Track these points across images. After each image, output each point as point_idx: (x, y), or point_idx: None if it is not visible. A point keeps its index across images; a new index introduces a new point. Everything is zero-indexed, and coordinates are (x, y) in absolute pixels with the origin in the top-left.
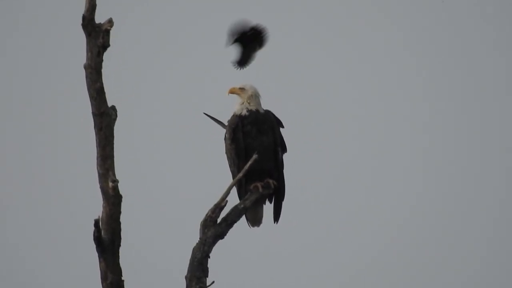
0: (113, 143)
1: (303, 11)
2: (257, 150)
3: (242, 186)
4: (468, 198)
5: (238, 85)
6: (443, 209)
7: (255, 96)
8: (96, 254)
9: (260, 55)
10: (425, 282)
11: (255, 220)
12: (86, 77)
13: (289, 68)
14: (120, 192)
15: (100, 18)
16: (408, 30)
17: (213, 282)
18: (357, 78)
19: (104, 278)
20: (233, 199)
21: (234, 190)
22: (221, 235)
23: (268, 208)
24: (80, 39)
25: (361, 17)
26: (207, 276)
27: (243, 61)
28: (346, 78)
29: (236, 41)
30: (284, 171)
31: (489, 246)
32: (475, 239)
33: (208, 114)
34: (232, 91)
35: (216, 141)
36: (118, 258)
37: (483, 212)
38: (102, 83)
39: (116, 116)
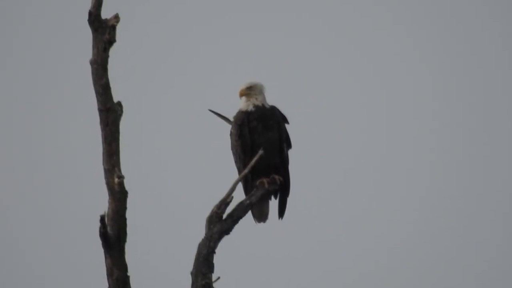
0: (119, 139)
1: (309, 11)
2: (263, 146)
3: (248, 182)
4: (474, 201)
5: (244, 85)
6: (449, 210)
7: (262, 91)
8: (102, 250)
9: (265, 53)
10: (430, 285)
11: (261, 216)
12: (92, 73)
13: (293, 65)
14: (126, 188)
15: (106, 13)
16: (412, 30)
17: (218, 278)
18: (362, 76)
19: (110, 274)
20: (239, 195)
21: (240, 186)
22: (226, 231)
23: (273, 204)
24: (86, 34)
25: (366, 16)
26: (212, 272)
27: None
28: (351, 76)
29: None
30: (289, 167)
31: (495, 250)
32: (481, 243)
33: (213, 110)
34: (242, 93)
35: (221, 137)
36: (124, 254)
37: (489, 215)
38: (108, 79)
39: (122, 112)
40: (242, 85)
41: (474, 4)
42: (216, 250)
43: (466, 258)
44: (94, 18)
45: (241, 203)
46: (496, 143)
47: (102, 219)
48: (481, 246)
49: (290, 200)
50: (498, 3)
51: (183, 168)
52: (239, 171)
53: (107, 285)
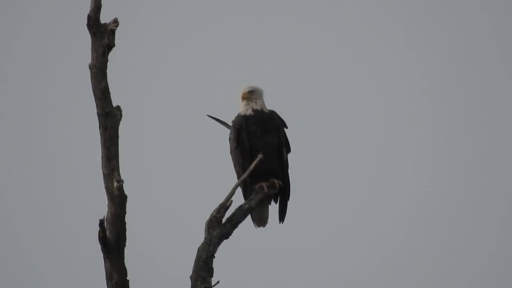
0: (118, 143)
1: (307, 12)
2: (262, 150)
3: (247, 186)
4: (474, 199)
5: (246, 89)
6: (449, 209)
7: (262, 95)
8: (101, 255)
9: (263, 56)
10: (432, 284)
11: (261, 220)
12: (91, 77)
13: (291, 68)
14: (125, 192)
15: (105, 18)
16: (410, 30)
17: (218, 282)
18: (360, 78)
19: (109, 278)
20: (238, 199)
21: (239, 190)
22: (226, 235)
23: (273, 208)
24: (85, 39)
25: (365, 17)
26: (212, 276)
27: None
28: (350, 78)
29: None
30: (289, 171)
31: (497, 249)
32: (481, 240)
33: (212, 115)
34: (245, 97)
35: (221, 142)
36: (123, 258)
37: (490, 212)
38: (107, 83)
39: (121, 116)
40: (244, 89)
41: (472, 4)
42: (216, 254)
43: (465, 258)
44: (93, 22)
45: (241, 207)
46: (494, 143)
47: (101, 223)
48: (483, 244)
49: (290, 204)
50: (496, 5)
51: (182, 173)
52: (238, 176)
53: None
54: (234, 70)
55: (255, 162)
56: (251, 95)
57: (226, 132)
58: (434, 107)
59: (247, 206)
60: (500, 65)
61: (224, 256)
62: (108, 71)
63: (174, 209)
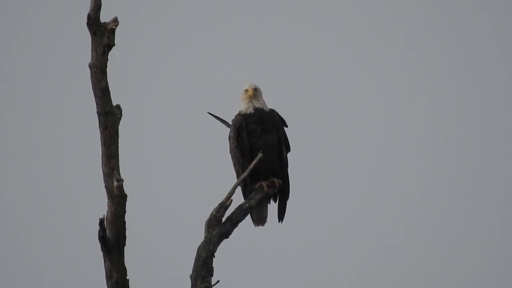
0: (118, 142)
1: (307, 12)
2: (261, 149)
3: (247, 185)
4: (473, 200)
5: (253, 86)
6: (449, 209)
7: (262, 95)
8: (101, 254)
9: (263, 56)
10: (431, 284)
11: (260, 219)
12: (91, 76)
13: (291, 68)
14: (125, 191)
15: (105, 17)
16: (410, 30)
17: (218, 281)
18: (360, 78)
19: (109, 278)
20: (238, 199)
21: (239, 190)
22: (226, 234)
23: (272, 207)
24: (85, 38)
25: (365, 17)
26: (212, 275)
27: None
28: (350, 78)
29: None
30: (288, 170)
31: (497, 249)
32: (481, 240)
33: (212, 113)
34: (253, 93)
35: (220, 141)
36: (123, 258)
37: (490, 212)
38: (107, 82)
39: (121, 115)
40: (251, 85)
41: (472, 4)
42: (216, 254)
43: (465, 258)
44: (93, 21)
45: (240, 206)
46: (495, 142)
47: (101, 222)
48: (480, 246)
49: (289, 203)
50: (496, 5)
51: (182, 171)
52: (238, 175)
53: None
54: (234, 70)
55: (255, 161)
56: (256, 92)
57: (226, 131)
58: (434, 107)
59: (247, 205)
60: (500, 64)
61: (224, 255)
62: (108, 70)
63: (174, 208)
